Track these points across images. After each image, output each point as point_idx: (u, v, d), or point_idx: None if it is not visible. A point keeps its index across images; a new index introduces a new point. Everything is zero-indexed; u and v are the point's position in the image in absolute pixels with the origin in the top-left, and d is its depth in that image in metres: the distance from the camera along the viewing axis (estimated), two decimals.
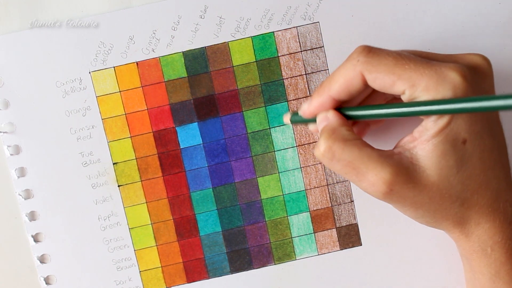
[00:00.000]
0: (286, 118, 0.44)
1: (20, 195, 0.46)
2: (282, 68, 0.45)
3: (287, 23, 0.45)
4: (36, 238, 0.46)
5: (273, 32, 0.45)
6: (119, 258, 0.46)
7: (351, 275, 0.47)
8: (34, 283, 0.46)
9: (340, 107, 0.39)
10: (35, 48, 0.45)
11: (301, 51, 0.45)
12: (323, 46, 0.45)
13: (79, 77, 0.45)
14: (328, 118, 0.39)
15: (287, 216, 0.46)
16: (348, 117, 0.39)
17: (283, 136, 0.46)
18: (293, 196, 0.46)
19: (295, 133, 0.46)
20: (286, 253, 0.47)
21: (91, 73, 0.45)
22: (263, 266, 0.47)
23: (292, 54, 0.45)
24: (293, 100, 0.46)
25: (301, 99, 0.46)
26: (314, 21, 0.45)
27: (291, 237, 0.47)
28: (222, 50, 0.45)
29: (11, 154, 0.45)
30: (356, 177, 0.37)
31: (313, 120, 0.40)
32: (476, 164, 0.36)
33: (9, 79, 0.45)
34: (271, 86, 0.46)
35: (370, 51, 0.37)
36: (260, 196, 0.46)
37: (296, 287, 0.47)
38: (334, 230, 0.47)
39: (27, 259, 0.46)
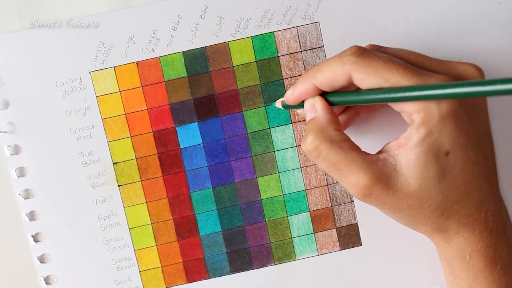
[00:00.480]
0: (278, 103, 0.44)
1: (20, 195, 0.46)
2: (282, 68, 0.45)
3: (287, 23, 0.45)
4: (36, 238, 0.46)
5: (273, 32, 0.45)
6: (119, 258, 0.46)
7: (351, 275, 0.47)
8: (34, 283, 0.46)
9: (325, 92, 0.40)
10: (35, 48, 0.45)
11: (301, 51, 0.45)
12: (323, 46, 0.45)
13: (79, 77, 0.45)
14: (316, 110, 0.39)
15: (287, 216, 0.46)
16: (333, 103, 0.39)
17: (283, 136, 0.46)
18: (293, 196, 0.46)
19: (295, 133, 0.46)
20: (286, 253, 0.47)
21: (91, 73, 0.45)
22: (263, 266, 0.47)
23: (292, 54, 0.45)
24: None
25: None
26: (314, 21, 0.45)
27: (291, 237, 0.47)
28: (222, 50, 0.45)
29: (11, 154, 0.45)
30: (339, 177, 0.38)
31: (301, 105, 0.41)
32: (458, 176, 0.36)
33: (9, 79, 0.45)
34: (271, 86, 0.46)
35: (362, 53, 0.37)
36: (260, 196, 0.46)
37: (296, 287, 0.47)
38: (334, 230, 0.47)
39: (27, 259, 0.46)
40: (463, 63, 0.39)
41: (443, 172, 0.36)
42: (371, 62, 0.36)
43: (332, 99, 0.39)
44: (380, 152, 0.38)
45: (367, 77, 0.36)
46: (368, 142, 0.45)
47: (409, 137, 0.36)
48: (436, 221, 0.37)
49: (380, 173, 0.36)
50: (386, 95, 0.36)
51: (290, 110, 0.45)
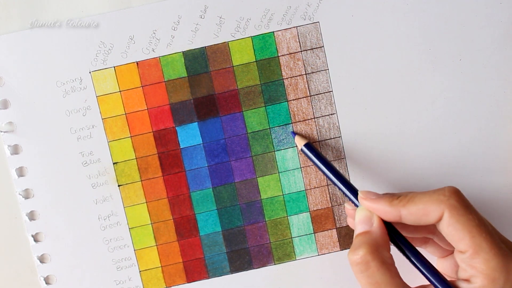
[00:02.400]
0: (300, 142, 0.44)
1: (20, 195, 0.46)
2: (282, 68, 0.45)
3: (287, 23, 0.45)
4: (36, 238, 0.46)
5: (273, 32, 0.45)
6: (119, 258, 0.46)
7: (351, 275, 0.47)
8: (34, 283, 0.46)
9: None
10: (35, 48, 0.45)
11: (301, 51, 0.45)
12: (323, 46, 0.45)
13: (79, 76, 0.45)
14: (371, 223, 0.39)
15: (287, 216, 0.46)
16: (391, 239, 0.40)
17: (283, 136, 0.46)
18: (293, 196, 0.46)
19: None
20: (286, 253, 0.47)
21: (91, 73, 0.45)
22: (263, 266, 0.47)
23: (292, 54, 0.45)
24: (293, 100, 0.46)
25: (301, 99, 0.46)
26: (314, 21, 0.45)
27: (291, 237, 0.47)
28: (222, 50, 0.45)
29: (11, 154, 0.45)
30: None
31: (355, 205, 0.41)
32: None
33: (9, 79, 0.45)
34: (271, 86, 0.46)
35: (461, 198, 0.37)
36: (260, 196, 0.46)
37: (296, 287, 0.47)
38: (334, 230, 0.47)
39: (27, 259, 0.46)
40: None
41: None
42: (466, 212, 0.37)
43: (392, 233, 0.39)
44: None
45: (457, 226, 0.37)
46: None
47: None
48: None
49: None
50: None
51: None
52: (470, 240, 0.36)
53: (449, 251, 0.43)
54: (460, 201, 0.37)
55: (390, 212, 0.39)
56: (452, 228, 0.37)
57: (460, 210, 0.37)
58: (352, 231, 0.46)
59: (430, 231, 0.42)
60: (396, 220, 0.39)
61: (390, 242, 0.39)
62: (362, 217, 0.40)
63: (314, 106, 0.46)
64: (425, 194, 0.38)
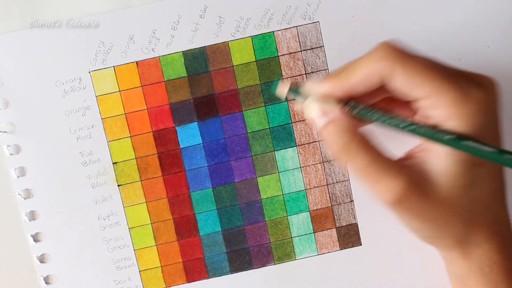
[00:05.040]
0: (282, 89, 0.38)
1: (20, 195, 0.46)
2: (282, 67, 0.45)
3: (287, 23, 0.45)
4: (35, 238, 0.46)
5: (273, 31, 0.45)
6: (118, 258, 0.46)
7: (351, 275, 0.47)
8: (34, 283, 0.46)
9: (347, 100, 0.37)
10: (35, 48, 0.45)
11: (301, 51, 0.45)
12: (323, 46, 0.45)
13: (79, 76, 0.45)
14: (333, 113, 0.36)
15: (287, 216, 0.46)
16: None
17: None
18: (292, 196, 0.46)
19: (295, 132, 0.46)
20: (286, 253, 0.47)
21: (91, 72, 0.45)
22: (263, 266, 0.47)
23: (292, 54, 0.45)
24: (293, 99, 0.46)
25: None
26: (314, 21, 0.45)
27: (291, 237, 0.47)
28: (222, 49, 0.45)
29: (11, 154, 0.45)
30: (370, 181, 0.36)
31: (299, 94, 0.38)
32: (485, 187, 0.36)
33: (9, 78, 0.45)
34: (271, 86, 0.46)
35: (400, 47, 0.35)
36: (260, 195, 0.46)
37: (296, 287, 0.47)
38: (334, 230, 0.47)
39: (27, 258, 0.46)
40: (480, 75, 0.37)
41: (473, 182, 0.36)
42: (408, 61, 0.35)
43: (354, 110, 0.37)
44: (405, 158, 0.37)
45: (410, 73, 0.34)
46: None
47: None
48: (460, 231, 0.37)
49: (413, 177, 0.35)
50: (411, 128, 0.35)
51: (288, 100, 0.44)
52: (429, 83, 0.34)
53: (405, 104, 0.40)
54: (402, 49, 0.35)
55: (340, 87, 0.36)
56: (406, 79, 0.35)
57: (402, 60, 0.35)
58: (352, 229, 0.46)
59: (381, 92, 0.39)
60: (346, 95, 0.36)
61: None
62: (316, 111, 0.37)
63: None
64: (361, 58, 0.36)
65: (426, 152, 0.36)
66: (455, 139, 0.34)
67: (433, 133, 0.35)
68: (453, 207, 0.36)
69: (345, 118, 0.36)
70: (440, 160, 0.36)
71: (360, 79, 0.36)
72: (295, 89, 0.38)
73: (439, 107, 0.35)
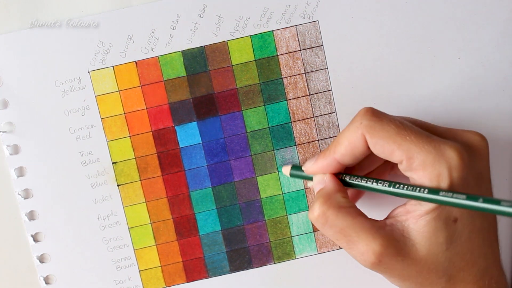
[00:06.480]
0: (286, 170, 0.45)
1: (20, 195, 0.46)
2: (281, 67, 0.45)
3: (286, 22, 0.45)
4: (35, 238, 0.46)
5: (272, 31, 0.45)
6: (118, 258, 0.46)
7: (351, 274, 0.47)
8: (34, 283, 0.46)
9: (342, 172, 0.40)
10: (34, 48, 0.45)
11: (300, 50, 0.45)
12: (322, 45, 0.45)
13: (78, 76, 0.45)
14: (325, 181, 0.39)
15: (286, 215, 0.46)
16: (346, 184, 0.40)
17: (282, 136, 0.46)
18: (292, 195, 0.46)
19: (294, 132, 0.46)
20: (285, 252, 0.47)
21: (90, 72, 0.45)
22: (262, 265, 0.47)
23: (291, 53, 0.45)
24: (293, 99, 0.46)
25: (300, 98, 0.46)
26: (313, 20, 0.45)
27: (291, 236, 0.47)
28: (221, 49, 0.45)
29: (11, 154, 0.45)
30: (347, 244, 0.38)
31: (311, 178, 0.41)
32: (465, 243, 0.37)
33: (9, 78, 0.45)
34: (271, 85, 0.46)
35: (374, 114, 0.37)
36: (260, 195, 0.46)
37: (296, 286, 0.47)
38: None
39: (27, 258, 0.46)
40: (468, 132, 0.39)
41: (451, 239, 0.36)
42: (383, 125, 0.37)
43: (345, 179, 0.40)
44: (387, 218, 0.38)
45: (380, 142, 0.36)
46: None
47: (418, 204, 0.36)
48: (443, 287, 0.37)
49: (390, 238, 0.36)
50: (399, 191, 0.37)
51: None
52: (399, 149, 0.36)
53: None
54: (373, 118, 0.37)
55: (328, 164, 0.39)
56: (379, 147, 0.37)
57: (376, 125, 0.37)
58: None
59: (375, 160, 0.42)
60: (339, 168, 0.39)
61: (347, 187, 0.40)
62: (315, 181, 0.40)
63: (314, 105, 0.46)
64: (345, 128, 0.38)
65: (406, 212, 0.37)
66: (431, 191, 0.35)
67: (409, 192, 0.36)
68: (431, 265, 0.37)
69: (331, 184, 0.39)
70: (417, 218, 0.36)
71: (345, 150, 0.38)
72: (296, 172, 0.44)
73: (413, 169, 0.36)
